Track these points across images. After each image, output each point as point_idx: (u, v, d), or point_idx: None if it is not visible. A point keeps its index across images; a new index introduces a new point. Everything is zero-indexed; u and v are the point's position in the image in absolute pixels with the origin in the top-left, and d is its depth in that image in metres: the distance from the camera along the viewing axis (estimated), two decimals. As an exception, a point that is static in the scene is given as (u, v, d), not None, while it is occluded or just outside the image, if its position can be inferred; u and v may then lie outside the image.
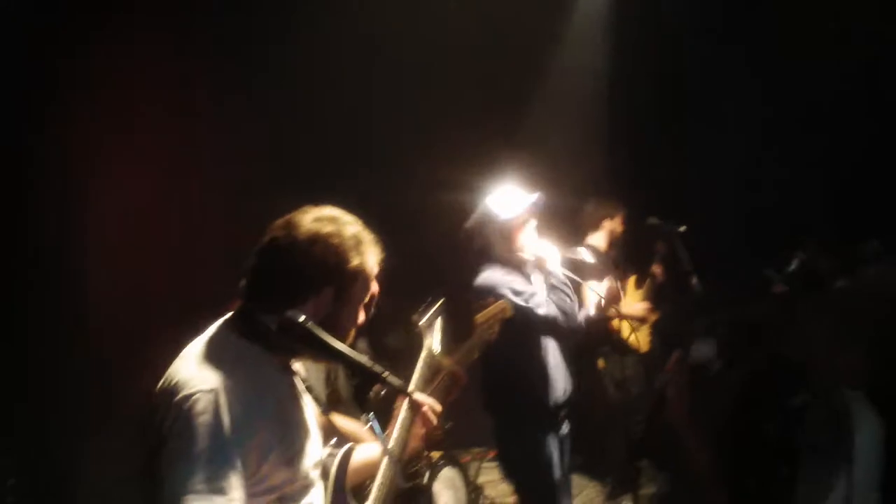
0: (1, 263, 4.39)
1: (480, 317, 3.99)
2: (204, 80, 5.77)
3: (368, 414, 2.28)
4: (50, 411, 4.48)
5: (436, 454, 4.97)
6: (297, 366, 2.36)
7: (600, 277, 5.35)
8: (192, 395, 1.95)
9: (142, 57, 5.31)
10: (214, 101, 5.80)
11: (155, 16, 5.43)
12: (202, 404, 1.93)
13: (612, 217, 6.22)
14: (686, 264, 5.83)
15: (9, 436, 4.23)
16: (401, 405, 2.77)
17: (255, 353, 2.11)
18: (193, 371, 2.03)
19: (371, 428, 3.08)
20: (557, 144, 6.96)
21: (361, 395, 2.15)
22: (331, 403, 3.14)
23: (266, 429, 2.03)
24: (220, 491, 1.90)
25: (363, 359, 2.13)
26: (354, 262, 2.16)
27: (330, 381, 3.28)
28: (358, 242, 2.18)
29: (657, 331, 6.23)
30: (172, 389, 2.00)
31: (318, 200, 2.26)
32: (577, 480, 6.56)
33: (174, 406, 1.96)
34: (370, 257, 2.21)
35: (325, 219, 2.18)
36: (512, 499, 6.27)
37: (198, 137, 5.67)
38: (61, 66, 4.81)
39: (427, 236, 6.34)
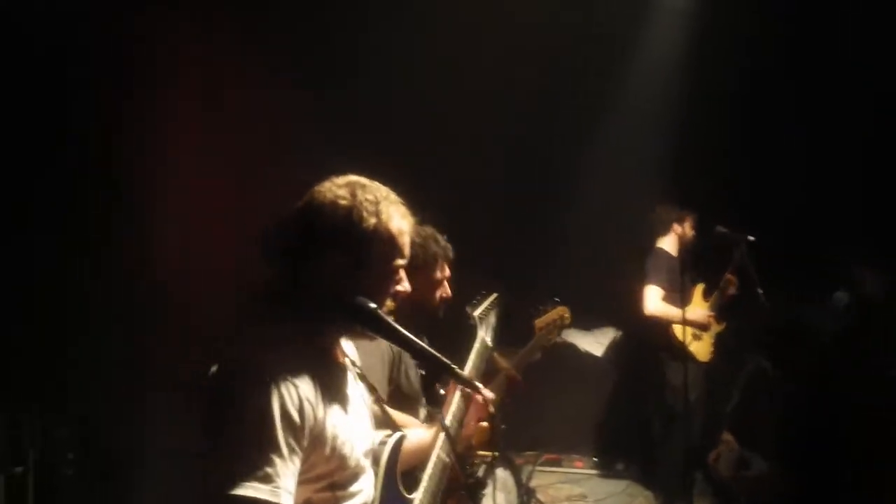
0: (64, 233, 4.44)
1: (540, 322, 3.99)
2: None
3: (433, 405, 2.26)
4: (109, 384, 4.51)
5: (489, 454, 4.92)
6: (352, 353, 2.34)
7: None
8: (242, 379, 1.93)
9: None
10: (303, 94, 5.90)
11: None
12: (252, 389, 1.90)
13: (681, 221, 6.11)
14: (752, 275, 5.71)
15: (68, 409, 4.28)
16: (452, 394, 2.72)
17: (305, 337, 2.08)
18: (245, 355, 2.01)
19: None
20: (634, 146, 6.93)
21: (428, 388, 2.13)
22: (391, 401, 3.11)
23: (317, 416, 1.99)
24: (267, 479, 1.86)
25: (431, 350, 2.13)
26: (368, 223, 2.05)
27: (392, 378, 3.26)
28: (375, 204, 2.07)
29: (721, 341, 6.08)
30: (224, 373, 2.01)
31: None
32: (631, 488, 6.49)
33: (225, 390, 1.96)
34: (392, 220, 2.09)
35: (341, 184, 2.11)
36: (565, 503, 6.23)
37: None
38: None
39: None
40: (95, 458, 4.36)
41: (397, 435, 2.43)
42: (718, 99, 6.67)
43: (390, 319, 2.07)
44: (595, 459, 7.00)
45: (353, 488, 2.14)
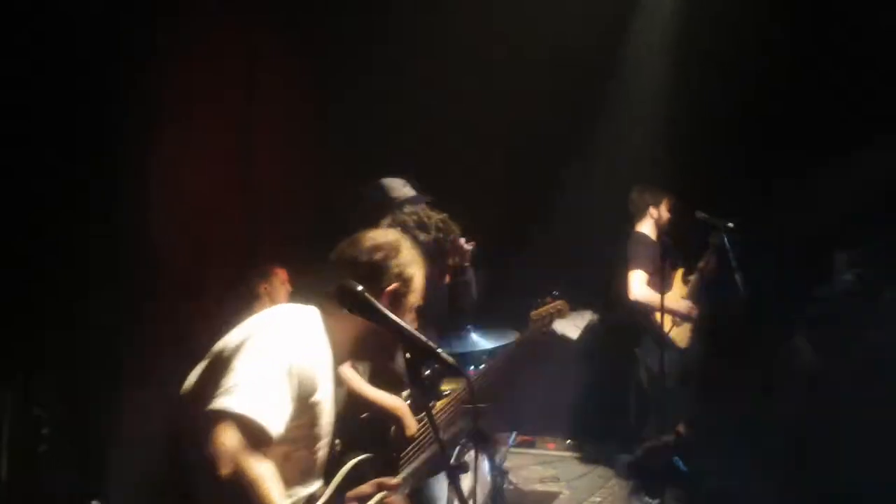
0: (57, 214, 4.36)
1: (535, 314, 3.99)
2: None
3: (417, 388, 2.36)
4: (83, 362, 4.47)
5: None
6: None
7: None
8: (272, 333, 2.35)
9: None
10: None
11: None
12: (275, 341, 2.32)
13: (656, 204, 6.12)
14: (732, 261, 5.72)
15: (44, 386, 4.23)
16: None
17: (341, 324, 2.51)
18: (269, 320, 2.46)
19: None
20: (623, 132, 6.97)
21: (413, 372, 2.27)
22: (378, 380, 3.25)
23: (315, 386, 2.38)
24: (269, 410, 2.21)
25: (418, 334, 2.32)
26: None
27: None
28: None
29: (697, 327, 6.10)
30: (254, 324, 2.40)
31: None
32: (603, 471, 6.52)
33: (252, 337, 2.33)
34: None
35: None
36: (537, 485, 6.24)
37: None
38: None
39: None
40: (69, 434, 4.32)
41: (363, 456, 2.72)
42: (709, 88, 6.69)
43: (378, 303, 2.36)
44: (569, 442, 7.03)
45: (302, 471, 2.46)
